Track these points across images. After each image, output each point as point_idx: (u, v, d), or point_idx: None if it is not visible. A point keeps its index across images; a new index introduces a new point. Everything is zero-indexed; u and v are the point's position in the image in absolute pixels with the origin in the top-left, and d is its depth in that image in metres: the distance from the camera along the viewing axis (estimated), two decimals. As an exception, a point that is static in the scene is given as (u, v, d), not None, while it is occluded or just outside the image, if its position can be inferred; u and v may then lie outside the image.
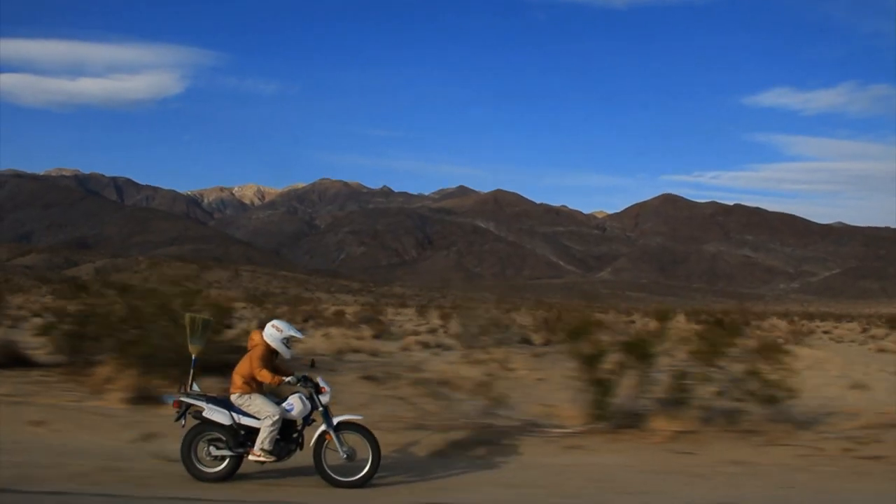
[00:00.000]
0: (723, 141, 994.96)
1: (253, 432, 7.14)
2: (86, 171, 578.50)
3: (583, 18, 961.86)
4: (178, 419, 7.27)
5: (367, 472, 7.15)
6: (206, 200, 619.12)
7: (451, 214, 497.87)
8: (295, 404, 7.18)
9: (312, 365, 7.87)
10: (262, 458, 7.07)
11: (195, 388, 7.37)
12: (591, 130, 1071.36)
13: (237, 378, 7.25)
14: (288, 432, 7.20)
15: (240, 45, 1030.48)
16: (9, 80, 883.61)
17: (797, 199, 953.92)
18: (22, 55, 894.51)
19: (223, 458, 7.17)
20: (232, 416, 7.14)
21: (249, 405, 7.16)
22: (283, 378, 7.13)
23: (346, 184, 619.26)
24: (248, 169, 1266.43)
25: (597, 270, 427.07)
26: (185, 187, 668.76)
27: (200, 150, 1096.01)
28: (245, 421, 7.14)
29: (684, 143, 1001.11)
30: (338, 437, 7.21)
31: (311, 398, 7.25)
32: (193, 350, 7.56)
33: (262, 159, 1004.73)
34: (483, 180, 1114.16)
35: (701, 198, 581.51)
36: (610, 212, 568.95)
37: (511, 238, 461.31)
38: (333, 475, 7.15)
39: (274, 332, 7.33)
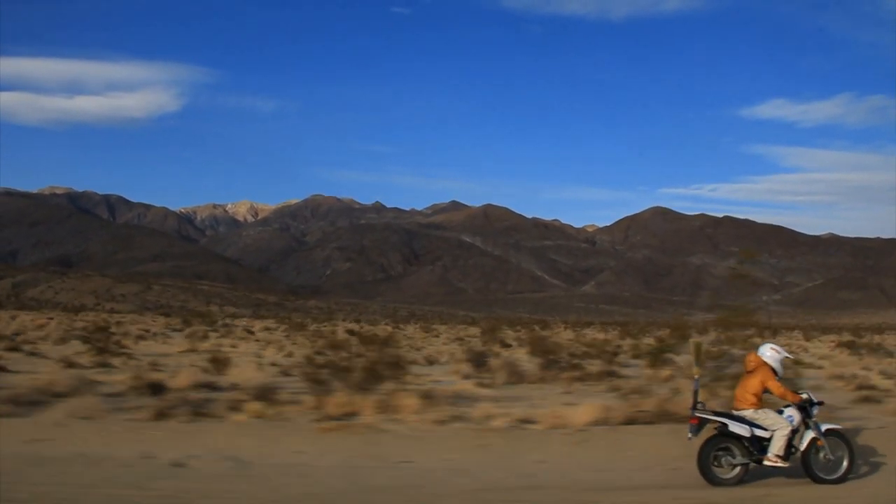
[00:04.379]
0: (720, 153, 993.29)
1: (762, 441, 8.37)
2: (80, 188, 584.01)
3: (579, 32, 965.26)
4: (695, 433, 8.50)
5: (846, 470, 8.37)
6: (198, 218, 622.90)
7: (438, 229, 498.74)
8: (794, 416, 8.45)
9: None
10: (778, 463, 8.29)
11: (702, 405, 8.65)
12: (589, 144, 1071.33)
13: (749, 395, 8.54)
14: (788, 439, 8.46)
15: (238, 63, 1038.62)
16: (6, 99, 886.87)
17: (794, 210, 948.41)
18: (19, 74, 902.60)
19: (736, 465, 8.39)
20: (751, 429, 8.39)
21: (765, 419, 8.44)
22: (801, 395, 8.55)
23: (338, 199, 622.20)
24: (242, 186, 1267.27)
25: (582, 284, 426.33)
26: (179, 204, 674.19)
27: (195, 168, 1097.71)
28: (758, 432, 8.38)
29: (682, 156, 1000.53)
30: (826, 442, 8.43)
31: (803, 409, 8.49)
32: (696, 372, 9.10)
33: (256, 176, 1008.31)
34: (477, 194, 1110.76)
35: (697, 210, 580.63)
36: (602, 225, 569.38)
37: (497, 252, 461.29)
38: (820, 474, 8.31)
39: (774, 354, 8.69)
